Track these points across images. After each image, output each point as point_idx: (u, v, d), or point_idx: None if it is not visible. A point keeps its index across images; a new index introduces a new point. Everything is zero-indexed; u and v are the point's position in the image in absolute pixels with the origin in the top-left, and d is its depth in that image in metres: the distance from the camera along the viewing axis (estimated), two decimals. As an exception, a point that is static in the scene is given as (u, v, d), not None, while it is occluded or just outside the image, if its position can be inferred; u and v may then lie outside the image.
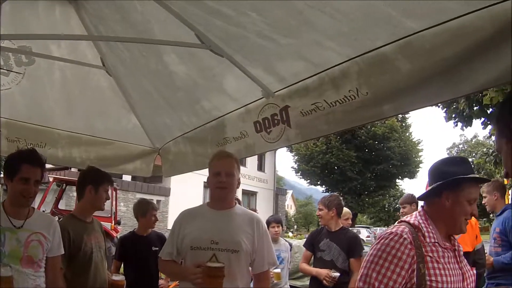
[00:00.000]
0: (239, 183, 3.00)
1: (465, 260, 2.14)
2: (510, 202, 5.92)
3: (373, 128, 30.25)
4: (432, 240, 2.00)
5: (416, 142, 34.29)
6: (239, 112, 3.46)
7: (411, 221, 2.08)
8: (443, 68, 2.12)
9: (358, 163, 31.37)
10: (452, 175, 2.03)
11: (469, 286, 2.03)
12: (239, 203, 3.35)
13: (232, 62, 2.87)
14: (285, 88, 3.00)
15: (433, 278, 1.90)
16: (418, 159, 33.98)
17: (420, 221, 2.07)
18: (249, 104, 3.33)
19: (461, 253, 2.14)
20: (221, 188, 2.90)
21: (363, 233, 28.27)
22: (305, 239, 5.26)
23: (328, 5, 2.19)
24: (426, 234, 2.01)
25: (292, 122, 2.95)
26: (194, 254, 2.85)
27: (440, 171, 2.10)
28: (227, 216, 2.95)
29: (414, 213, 2.16)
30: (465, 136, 50.66)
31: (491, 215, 5.43)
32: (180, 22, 2.67)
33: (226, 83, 3.26)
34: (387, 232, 2.06)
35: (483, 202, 5.32)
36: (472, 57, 2.02)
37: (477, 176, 2.10)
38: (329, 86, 2.67)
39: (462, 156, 2.11)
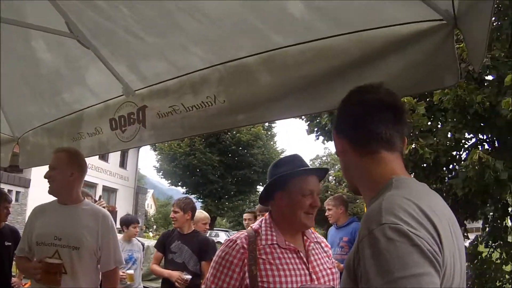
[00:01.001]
0: (77, 178, 2.96)
1: (326, 259, 2.21)
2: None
3: (238, 134, 30.87)
4: (269, 242, 2.06)
5: (280, 151, 35.59)
6: (98, 107, 3.38)
7: (254, 226, 2.16)
8: (303, 84, 2.23)
9: (220, 167, 31.76)
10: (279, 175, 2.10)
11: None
12: (99, 199, 3.27)
13: (97, 55, 2.79)
14: (145, 87, 2.99)
15: (265, 279, 1.96)
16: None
17: (262, 225, 2.14)
18: (109, 100, 3.27)
19: (319, 251, 2.20)
20: (48, 182, 2.91)
21: (222, 237, 28.67)
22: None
23: (198, 10, 2.21)
24: (264, 237, 2.08)
25: (148, 122, 2.94)
26: (39, 250, 2.81)
27: (271, 174, 2.16)
28: (72, 211, 2.91)
29: (262, 218, 2.22)
30: (329, 149, 53.85)
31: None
32: (53, 7, 2.53)
33: (89, 76, 3.16)
34: (226, 240, 2.15)
35: (326, 213, 5.83)
36: (332, 78, 2.14)
37: (302, 169, 2.13)
38: (189, 90, 2.70)
39: (295, 154, 2.21)
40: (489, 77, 6.58)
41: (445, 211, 1.18)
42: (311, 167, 2.20)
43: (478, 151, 5.89)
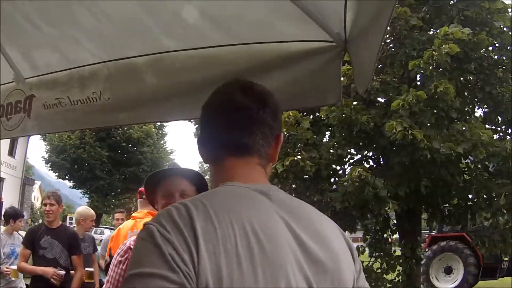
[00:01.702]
0: None
1: None
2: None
3: (129, 131, 30.23)
4: None
5: (169, 151, 35.28)
6: (-13, 93, 3.17)
7: None
8: (188, 89, 2.26)
9: (109, 163, 30.88)
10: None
11: None
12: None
13: (-7, 38, 2.63)
14: (35, 76, 2.86)
15: None
16: (167, 166, 34.79)
17: None
18: (-1, 86, 3.08)
19: None
20: None
21: (107, 234, 27.89)
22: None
23: (97, 5, 2.17)
24: None
25: (33, 113, 2.81)
26: None
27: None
28: None
29: None
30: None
31: None
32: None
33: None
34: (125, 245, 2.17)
35: None
36: (217, 85, 2.18)
37: (155, 171, 2.28)
38: (76, 84, 2.63)
39: (172, 162, 2.37)
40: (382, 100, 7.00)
41: (269, 224, 1.04)
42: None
43: (358, 168, 6.26)
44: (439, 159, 6.10)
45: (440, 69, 6.51)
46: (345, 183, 6.32)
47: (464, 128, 6.08)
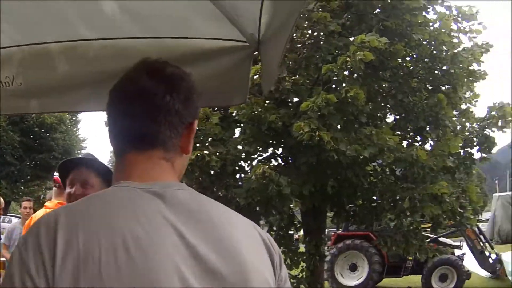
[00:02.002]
0: None
1: None
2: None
3: (43, 115, 29.12)
4: None
5: (82, 139, 34.35)
6: None
7: None
8: (99, 79, 2.19)
9: (20, 148, 29.60)
10: None
11: None
12: None
13: None
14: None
15: None
16: (80, 155, 33.88)
17: None
18: None
19: None
20: None
21: (14, 222, 26.56)
22: None
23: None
24: None
25: None
26: None
27: None
28: None
29: None
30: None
31: None
32: None
33: None
34: None
35: None
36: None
37: (66, 159, 2.31)
38: (-10, 67, 2.50)
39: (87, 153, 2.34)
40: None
41: (149, 234, 0.91)
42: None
43: (262, 165, 6.37)
44: (345, 161, 6.30)
45: (355, 75, 6.73)
46: (250, 180, 6.42)
47: (372, 133, 6.28)
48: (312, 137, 5.76)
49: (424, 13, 7.52)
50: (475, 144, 8.33)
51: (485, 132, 8.27)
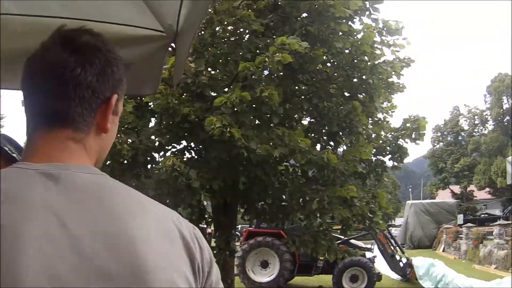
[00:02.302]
0: None
1: None
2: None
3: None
4: None
5: None
6: None
7: None
8: (16, 56, 2.14)
9: None
10: None
11: None
12: None
13: None
14: None
15: None
16: None
17: None
18: None
19: None
20: None
21: None
22: None
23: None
24: None
25: None
26: None
27: None
28: None
29: None
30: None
31: None
32: None
33: None
34: None
35: None
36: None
37: None
38: None
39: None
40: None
41: (22, 223, 0.78)
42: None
43: (172, 157, 6.37)
44: (256, 159, 6.39)
45: (274, 75, 6.82)
46: (160, 171, 6.41)
47: (284, 134, 6.40)
48: (223, 132, 5.80)
49: (350, 23, 7.70)
50: (387, 152, 8.66)
51: (398, 142, 8.61)
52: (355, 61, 7.77)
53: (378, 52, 8.20)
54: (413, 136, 8.45)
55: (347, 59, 7.74)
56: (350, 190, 6.95)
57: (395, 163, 8.78)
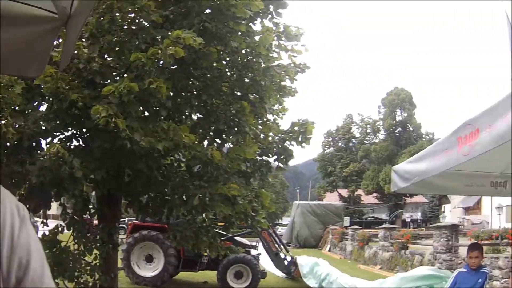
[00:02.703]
0: None
1: None
2: None
3: None
4: None
5: None
6: None
7: None
8: None
9: None
10: None
11: None
12: None
13: None
14: None
15: None
16: None
17: None
18: None
19: None
20: None
21: None
22: None
23: None
24: None
25: None
26: None
27: None
28: None
29: None
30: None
31: None
32: None
33: None
34: None
35: None
36: None
37: None
38: None
39: None
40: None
41: None
42: None
43: (57, 144, 6.14)
44: (139, 151, 6.32)
45: (166, 68, 6.76)
46: (44, 158, 6.16)
47: (169, 128, 6.37)
48: (108, 122, 5.67)
49: (251, 24, 7.79)
50: (274, 153, 8.86)
51: (285, 144, 8.84)
52: (249, 61, 7.86)
53: (275, 55, 8.38)
54: (300, 139, 8.70)
55: (242, 59, 7.83)
56: (232, 188, 7.04)
57: (280, 164, 8.99)
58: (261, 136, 8.72)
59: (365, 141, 67.22)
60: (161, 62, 6.44)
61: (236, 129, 7.88)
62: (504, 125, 3.27)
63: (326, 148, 69.28)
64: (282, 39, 8.30)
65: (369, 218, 66.75)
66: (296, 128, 8.76)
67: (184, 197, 7.27)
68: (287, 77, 8.55)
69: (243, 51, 7.79)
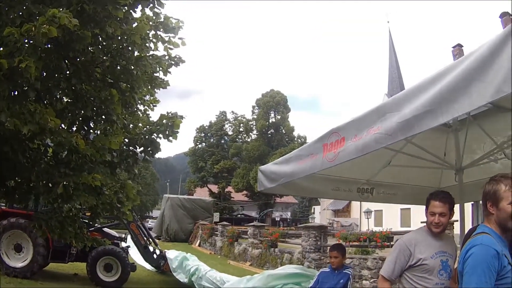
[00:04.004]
0: None
1: None
2: None
3: None
4: None
5: None
6: None
7: None
8: None
9: None
10: None
11: None
12: None
13: None
14: None
15: None
16: None
17: None
18: None
19: None
20: None
21: None
22: None
23: None
24: None
25: None
26: None
27: None
28: None
29: None
30: None
31: None
32: None
33: None
34: None
35: None
36: None
37: None
38: None
39: None
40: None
41: None
42: None
43: None
44: (5, 133, 5.95)
45: (39, 48, 6.41)
46: None
47: (36, 110, 6.07)
48: (-28, 102, 5.28)
49: (131, 11, 7.60)
50: (141, 145, 8.74)
51: (152, 136, 8.77)
52: (123, 49, 7.69)
53: (151, 45, 8.28)
54: (167, 133, 8.67)
55: (117, 45, 7.65)
56: (97, 178, 6.87)
57: (147, 157, 8.90)
58: (130, 126, 8.58)
59: (237, 139, 68.28)
60: (33, 40, 6.08)
61: (104, 117, 7.68)
62: (369, 137, 3.55)
63: (198, 143, 69.34)
64: (160, 30, 8.23)
65: (239, 215, 68.15)
66: (164, 121, 8.71)
67: (50, 184, 6.96)
68: (160, 68, 8.49)
69: (119, 38, 7.60)
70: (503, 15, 31.67)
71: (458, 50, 37.11)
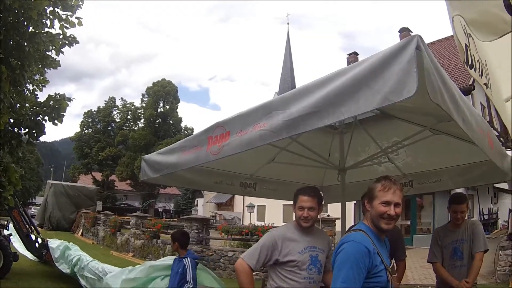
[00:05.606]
0: None
1: None
2: None
3: None
4: None
5: None
6: None
7: None
8: None
9: None
10: None
11: None
12: None
13: None
14: None
15: None
16: None
17: None
18: None
19: None
20: None
21: None
22: None
23: None
24: None
25: None
26: None
27: None
28: None
29: None
30: None
31: None
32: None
33: None
34: None
35: None
36: None
37: None
38: None
39: None
40: None
41: None
42: None
43: None
44: None
45: None
46: None
47: None
48: None
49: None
50: (26, 126, 8.27)
51: (38, 118, 8.31)
52: (19, 23, 7.21)
53: (48, 22, 7.84)
54: (53, 115, 8.29)
55: (13, 18, 7.13)
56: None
57: (31, 139, 8.42)
58: (17, 106, 8.06)
59: (124, 127, 66.35)
60: None
61: (-10, 95, 7.12)
62: (254, 133, 3.57)
63: (84, 129, 66.44)
64: (59, 7, 7.81)
65: (122, 205, 66.37)
66: (51, 102, 8.30)
67: None
68: (53, 47, 8.06)
69: (15, 11, 7.09)
70: (402, 30, 33.76)
71: (353, 57, 39.01)
